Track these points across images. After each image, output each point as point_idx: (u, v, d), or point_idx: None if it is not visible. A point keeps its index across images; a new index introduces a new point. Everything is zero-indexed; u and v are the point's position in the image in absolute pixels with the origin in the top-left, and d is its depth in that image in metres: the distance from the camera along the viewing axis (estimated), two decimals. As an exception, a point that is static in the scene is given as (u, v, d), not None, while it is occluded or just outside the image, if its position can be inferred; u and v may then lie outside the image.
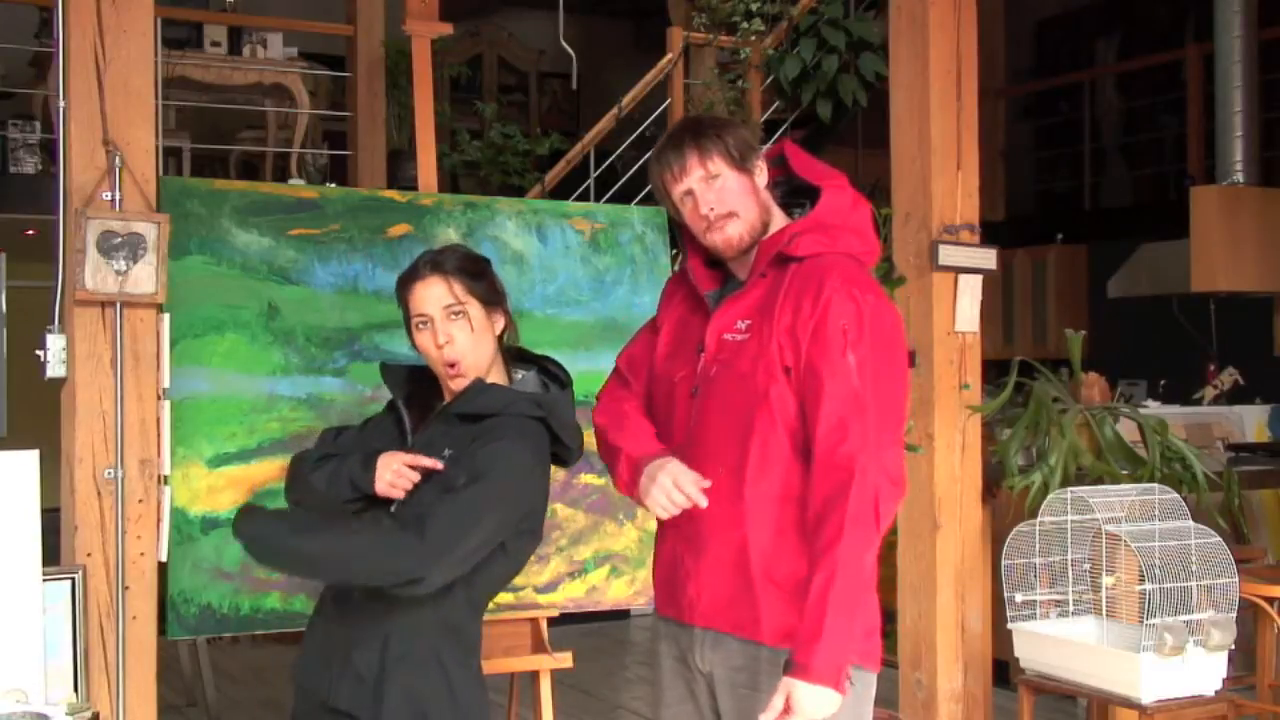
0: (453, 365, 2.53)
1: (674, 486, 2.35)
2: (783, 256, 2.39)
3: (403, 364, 2.71)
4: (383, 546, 2.37)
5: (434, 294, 2.54)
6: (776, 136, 7.79)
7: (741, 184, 2.41)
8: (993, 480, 4.56)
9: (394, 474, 2.47)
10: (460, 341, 2.52)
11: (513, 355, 2.69)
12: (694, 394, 2.43)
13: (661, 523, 2.49)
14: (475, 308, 2.54)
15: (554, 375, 2.66)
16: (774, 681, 2.32)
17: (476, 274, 2.58)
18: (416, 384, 2.64)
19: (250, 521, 2.52)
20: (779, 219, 2.47)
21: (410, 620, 2.47)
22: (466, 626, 2.52)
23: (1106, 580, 3.81)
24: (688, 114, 2.46)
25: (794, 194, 2.51)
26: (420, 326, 2.55)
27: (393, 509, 2.48)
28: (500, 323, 2.60)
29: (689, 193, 2.42)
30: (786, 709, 2.21)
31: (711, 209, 2.40)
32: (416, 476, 2.47)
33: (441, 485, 2.44)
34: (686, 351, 2.48)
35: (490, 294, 2.58)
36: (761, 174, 2.44)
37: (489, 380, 2.57)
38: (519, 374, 2.64)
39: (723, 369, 2.39)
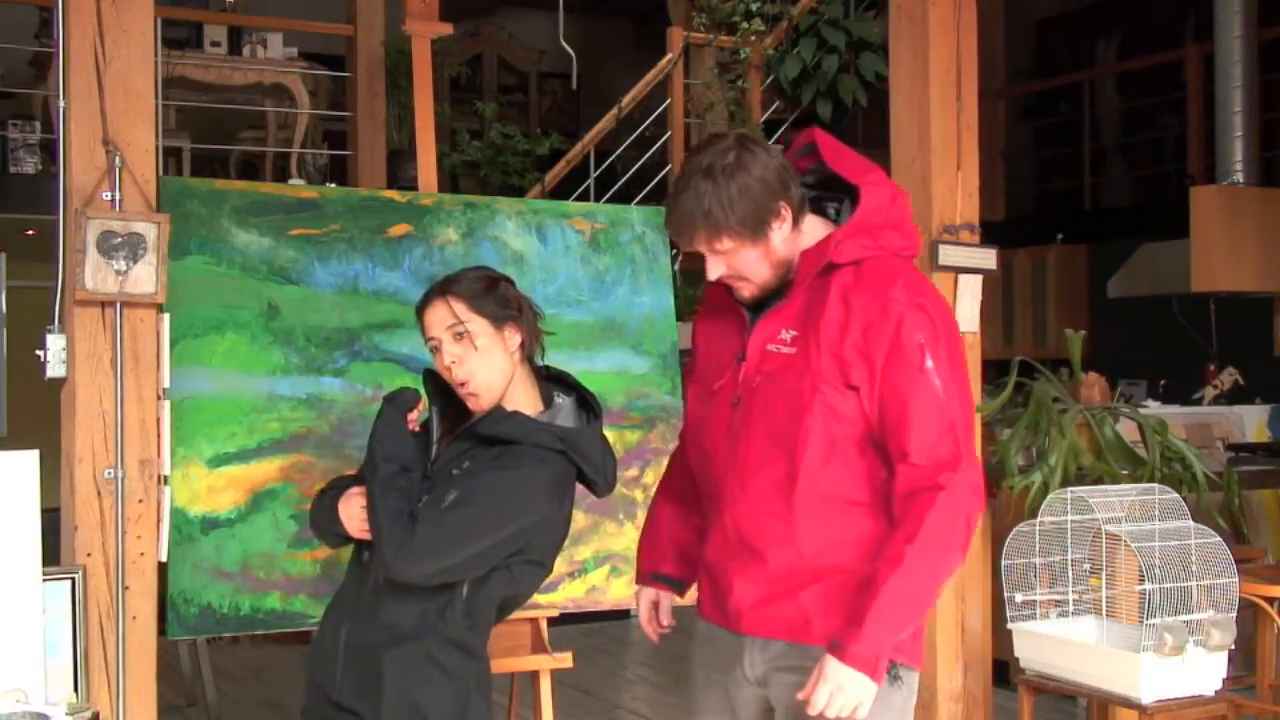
0: (463, 384, 2.55)
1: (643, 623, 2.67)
2: (830, 265, 2.32)
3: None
4: (387, 526, 2.44)
5: (437, 316, 2.57)
6: (775, 137, 7.79)
7: (754, 254, 2.32)
8: (993, 480, 4.55)
9: (360, 518, 2.53)
10: (467, 361, 2.54)
11: (552, 378, 2.69)
12: (735, 404, 2.39)
13: (707, 526, 2.50)
14: (480, 325, 2.55)
15: (590, 405, 2.66)
16: None
17: (481, 292, 2.58)
18: (453, 395, 2.65)
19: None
20: (812, 228, 2.38)
21: (411, 627, 2.48)
22: (468, 638, 2.54)
23: (1091, 581, 3.81)
24: (699, 158, 2.27)
25: (825, 184, 2.42)
26: (434, 350, 2.60)
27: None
28: (515, 338, 2.59)
29: (700, 254, 2.38)
30: (819, 679, 2.21)
31: (723, 276, 2.36)
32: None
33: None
34: (725, 359, 2.44)
35: (499, 310, 2.58)
36: (782, 224, 2.32)
37: (511, 400, 2.58)
38: (559, 399, 2.64)
39: (767, 380, 2.35)
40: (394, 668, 2.47)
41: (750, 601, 2.38)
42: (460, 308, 2.55)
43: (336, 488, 2.65)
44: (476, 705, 2.54)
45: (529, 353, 2.64)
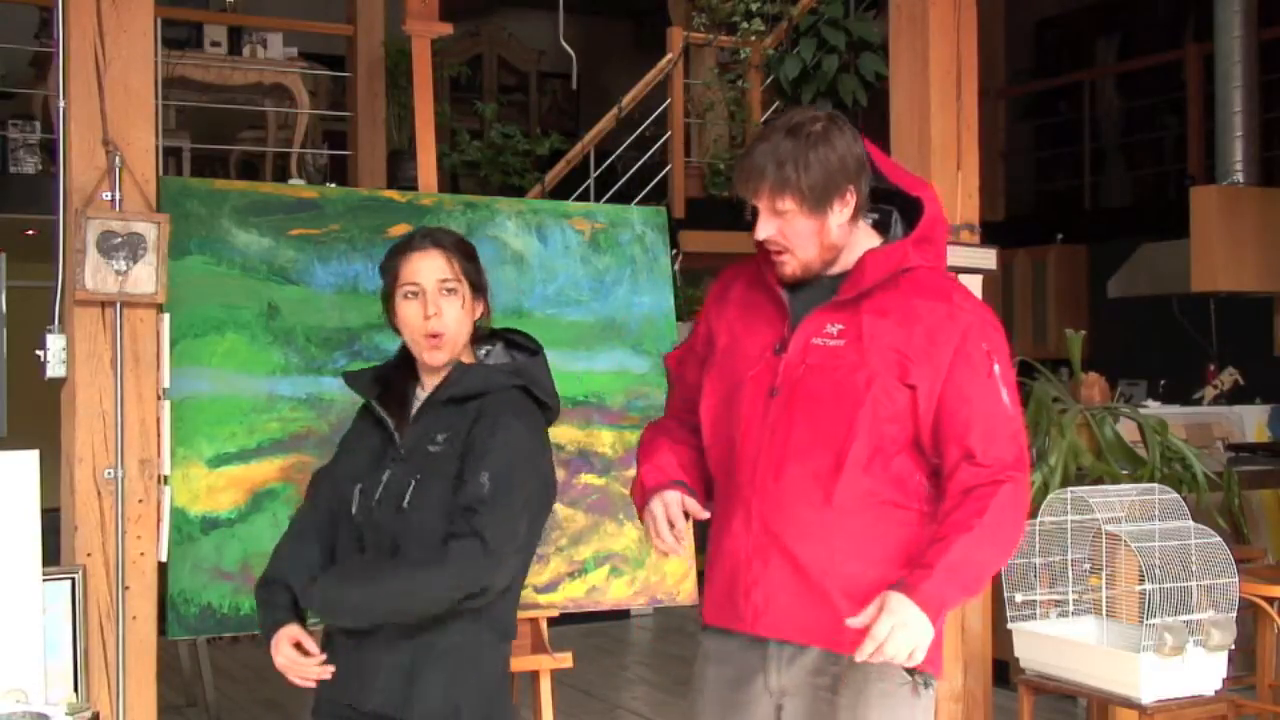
0: (435, 337, 2.52)
1: (662, 518, 2.40)
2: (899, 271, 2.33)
3: (363, 369, 2.67)
4: (452, 569, 2.37)
5: (431, 266, 2.53)
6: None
7: (808, 226, 2.30)
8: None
9: (283, 666, 2.46)
10: (448, 316, 2.52)
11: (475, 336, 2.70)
12: (773, 394, 2.35)
13: (722, 524, 2.43)
14: (465, 287, 2.56)
15: (519, 344, 2.67)
16: (855, 689, 2.29)
17: (470, 256, 2.61)
18: (385, 382, 2.61)
19: (317, 591, 2.48)
20: (863, 235, 2.38)
21: (445, 616, 2.46)
22: (502, 612, 2.51)
23: (1091, 581, 3.81)
24: (788, 116, 2.33)
25: (871, 195, 2.40)
26: (409, 295, 2.52)
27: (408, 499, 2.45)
28: (480, 310, 2.62)
29: (755, 209, 2.34)
30: (883, 611, 2.16)
31: (768, 239, 2.33)
32: (311, 671, 2.45)
33: (448, 477, 2.43)
34: (757, 350, 2.40)
35: (478, 278, 2.61)
36: (843, 209, 2.31)
37: (463, 361, 2.59)
38: (483, 350, 2.65)
39: (812, 372, 2.32)
40: (425, 658, 2.44)
41: (777, 599, 2.33)
42: (455, 265, 2.55)
43: (268, 583, 2.55)
44: (504, 691, 2.54)
45: (481, 327, 2.66)
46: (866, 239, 2.39)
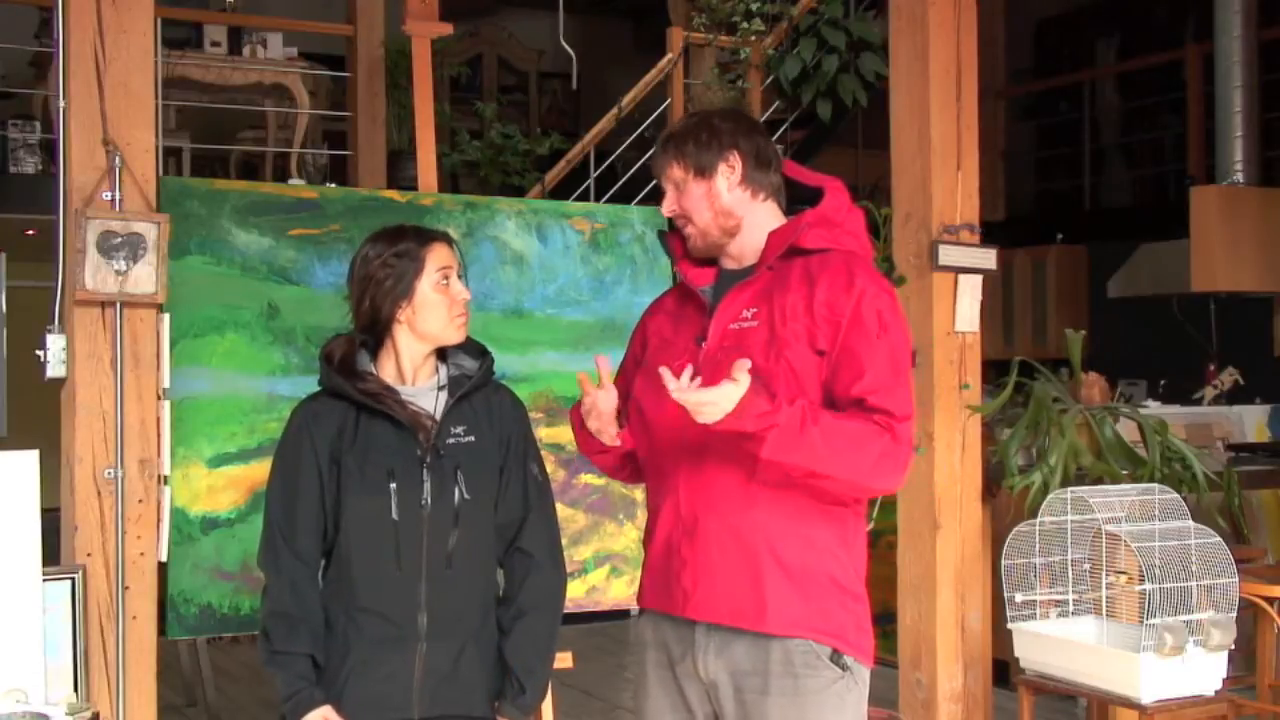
0: (465, 313, 2.60)
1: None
2: (794, 249, 2.42)
3: (330, 376, 2.59)
4: (556, 605, 2.64)
5: (451, 253, 2.60)
6: (776, 137, 7.80)
7: (698, 191, 2.45)
8: (993, 480, 4.56)
9: None
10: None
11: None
12: (692, 379, 2.36)
13: (654, 513, 2.49)
14: None
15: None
16: (785, 683, 2.31)
17: None
18: (368, 402, 2.54)
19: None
20: (770, 215, 2.47)
21: (477, 619, 2.55)
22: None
23: (1113, 579, 3.81)
24: (690, 110, 2.56)
25: (791, 202, 2.52)
26: (443, 281, 2.55)
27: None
28: None
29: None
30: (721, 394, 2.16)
31: (671, 209, 2.49)
32: None
33: (493, 466, 2.57)
34: (682, 343, 2.48)
35: None
36: (730, 172, 2.44)
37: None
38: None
39: (729, 355, 2.35)
40: (468, 641, 2.52)
41: (705, 581, 2.35)
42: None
43: (291, 653, 2.50)
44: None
45: None
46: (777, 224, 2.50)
